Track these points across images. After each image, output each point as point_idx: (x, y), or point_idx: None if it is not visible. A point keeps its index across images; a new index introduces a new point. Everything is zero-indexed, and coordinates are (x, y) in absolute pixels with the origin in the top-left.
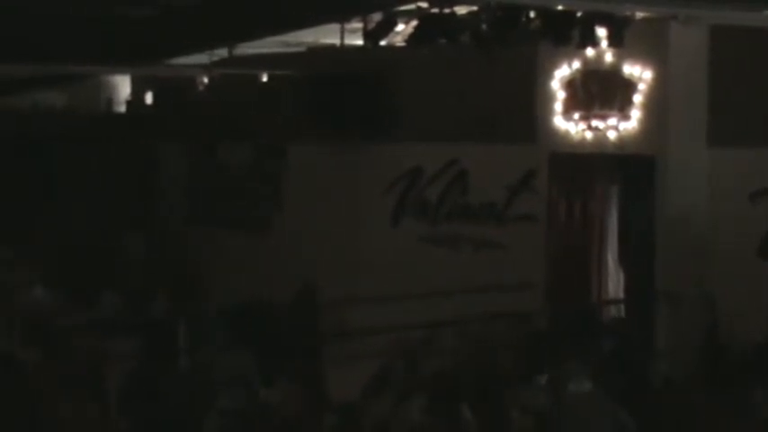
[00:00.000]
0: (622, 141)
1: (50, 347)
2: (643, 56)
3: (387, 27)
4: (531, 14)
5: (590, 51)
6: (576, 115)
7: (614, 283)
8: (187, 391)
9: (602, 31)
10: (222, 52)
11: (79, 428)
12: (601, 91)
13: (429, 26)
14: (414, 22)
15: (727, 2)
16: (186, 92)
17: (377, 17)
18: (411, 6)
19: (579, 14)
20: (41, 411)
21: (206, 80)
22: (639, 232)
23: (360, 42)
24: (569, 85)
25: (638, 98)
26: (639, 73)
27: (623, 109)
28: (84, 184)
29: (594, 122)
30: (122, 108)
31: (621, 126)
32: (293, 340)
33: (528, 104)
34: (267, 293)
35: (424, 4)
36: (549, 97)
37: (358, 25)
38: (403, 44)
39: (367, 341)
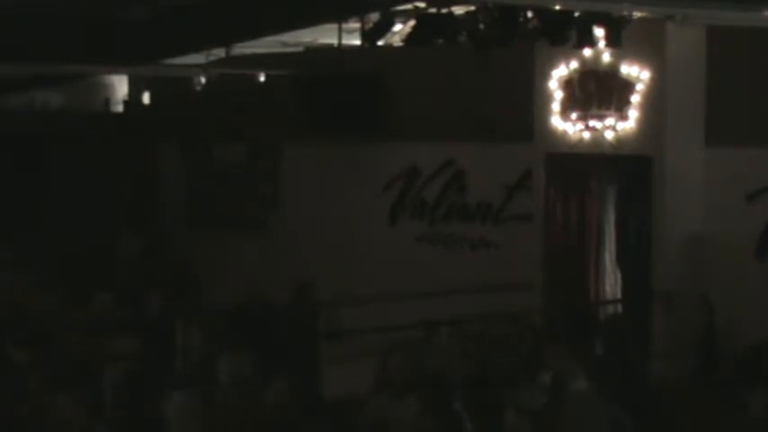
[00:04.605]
0: (620, 141)
1: (47, 347)
2: (641, 56)
3: (384, 27)
4: (529, 14)
5: (587, 51)
6: (574, 115)
7: (611, 283)
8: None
9: (599, 31)
10: (219, 52)
11: (76, 429)
12: (598, 91)
13: (426, 26)
14: (411, 22)
15: (725, 2)
16: (184, 92)
17: (375, 17)
18: (408, 6)
19: (577, 14)
20: (37, 412)
21: (203, 80)
22: (637, 232)
23: (357, 42)
24: (567, 85)
25: (635, 98)
26: (637, 73)
27: (621, 109)
28: (80, 183)
29: (592, 122)
30: (119, 108)
31: (619, 126)
32: (291, 340)
33: (525, 104)
34: (265, 293)
35: (422, 4)
36: (546, 97)
37: (356, 25)
38: (400, 44)
39: (364, 340)
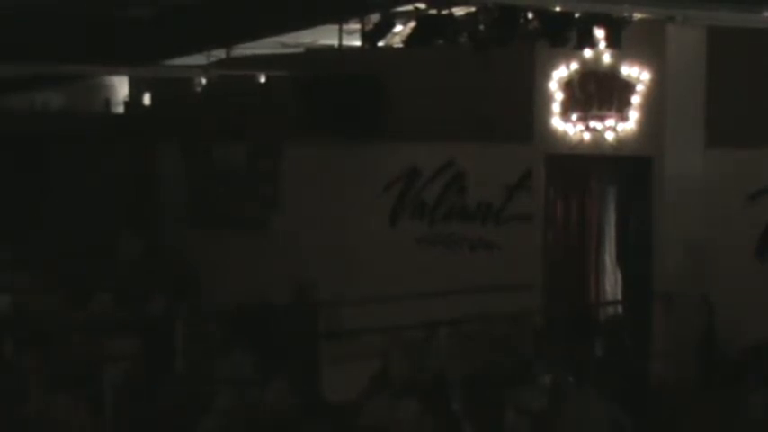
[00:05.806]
0: (620, 142)
1: (47, 347)
2: (641, 57)
3: (385, 28)
4: (529, 15)
5: (588, 52)
6: (574, 116)
7: (611, 283)
8: (185, 391)
9: (599, 33)
10: (220, 53)
11: (76, 429)
12: (599, 92)
13: (427, 27)
14: (411, 24)
15: (725, 3)
16: (184, 92)
17: (375, 18)
18: (409, 7)
19: (577, 15)
20: (37, 411)
21: (204, 81)
22: (637, 233)
23: (358, 43)
24: (567, 86)
25: (635, 99)
26: (637, 74)
27: (621, 110)
28: (80, 183)
29: (592, 123)
30: (120, 108)
31: (619, 127)
32: (291, 340)
33: (525, 105)
34: (265, 293)
35: (422, 6)
36: (546, 98)
37: (356, 26)
38: (401, 45)
39: (364, 341)
